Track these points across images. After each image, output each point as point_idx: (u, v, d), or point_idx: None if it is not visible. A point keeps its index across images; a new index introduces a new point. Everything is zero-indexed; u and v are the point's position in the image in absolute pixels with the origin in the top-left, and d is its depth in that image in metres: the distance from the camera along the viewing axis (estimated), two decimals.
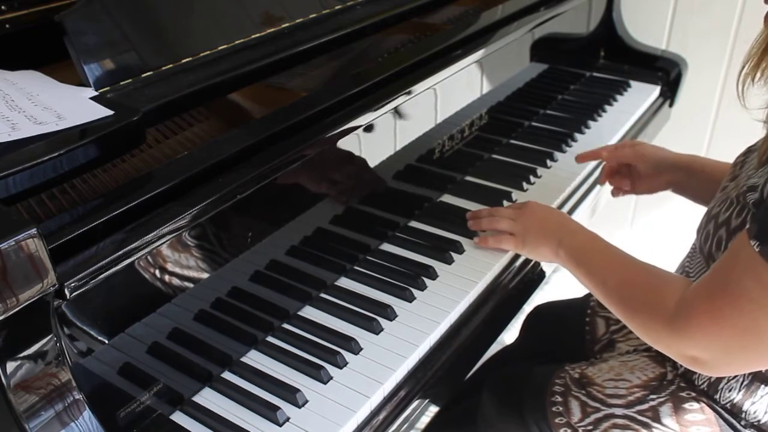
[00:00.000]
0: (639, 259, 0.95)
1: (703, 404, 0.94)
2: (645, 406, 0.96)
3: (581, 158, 1.33)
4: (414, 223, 1.21)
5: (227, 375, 0.91)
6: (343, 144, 1.02)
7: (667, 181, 1.22)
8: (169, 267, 0.81)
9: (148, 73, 0.93)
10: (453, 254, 1.13)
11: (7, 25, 0.97)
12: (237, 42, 1.03)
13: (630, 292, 0.91)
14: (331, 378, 0.90)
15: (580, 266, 0.99)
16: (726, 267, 0.80)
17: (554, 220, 1.08)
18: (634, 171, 1.26)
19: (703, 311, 0.80)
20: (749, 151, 0.97)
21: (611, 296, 0.94)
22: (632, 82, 1.74)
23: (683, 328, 0.83)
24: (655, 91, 1.72)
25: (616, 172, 1.29)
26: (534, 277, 1.18)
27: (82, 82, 0.87)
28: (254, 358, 0.94)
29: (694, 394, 0.96)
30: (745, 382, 0.91)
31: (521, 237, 1.08)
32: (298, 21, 1.12)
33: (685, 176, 1.19)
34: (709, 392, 0.95)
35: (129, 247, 0.75)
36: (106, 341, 0.76)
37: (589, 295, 1.26)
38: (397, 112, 1.10)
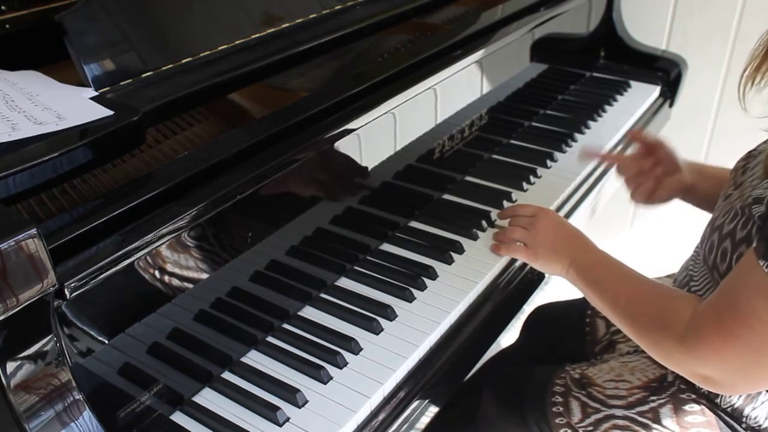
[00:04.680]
0: (649, 277, 0.95)
1: (703, 406, 0.94)
2: (645, 408, 0.96)
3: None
4: (414, 223, 1.21)
5: (227, 375, 0.91)
6: (344, 144, 1.01)
7: (682, 182, 1.18)
8: (169, 267, 0.81)
9: (148, 73, 0.93)
10: (453, 254, 1.13)
11: (7, 25, 0.97)
12: (237, 42, 1.03)
13: (641, 311, 0.91)
14: (331, 378, 0.90)
15: (591, 285, 0.98)
16: (734, 286, 0.80)
17: (566, 235, 1.05)
18: (658, 169, 1.21)
19: (713, 330, 0.80)
20: (749, 156, 0.96)
21: (622, 315, 0.93)
22: (632, 83, 1.74)
23: (694, 347, 0.82)
24: (655, 91, 1.72)
25: (637, 171, 1.24)
26: (534, 277, 1.18)
27: (82, 82, 0.87)
28: (254, 358, 0.94)
29: (694, 396, 0.95)
30: None
31: (533, 249, 1.07)
32: (298, 21, 1.12)
33: (700, 179, 1.18)
34: (709, 396, 0.95)
35: (129, 248, 0.75)
36: (106, 341, 0.76)
37: None
38: (397, 113, 1.10)
